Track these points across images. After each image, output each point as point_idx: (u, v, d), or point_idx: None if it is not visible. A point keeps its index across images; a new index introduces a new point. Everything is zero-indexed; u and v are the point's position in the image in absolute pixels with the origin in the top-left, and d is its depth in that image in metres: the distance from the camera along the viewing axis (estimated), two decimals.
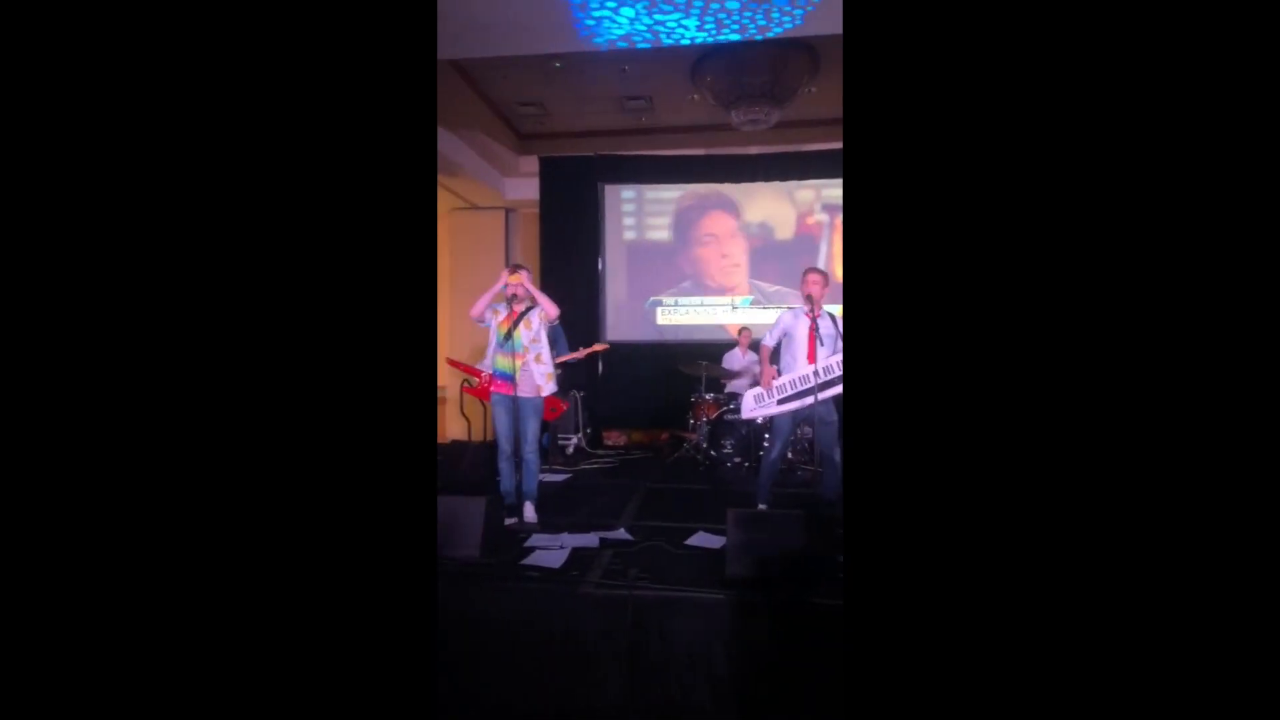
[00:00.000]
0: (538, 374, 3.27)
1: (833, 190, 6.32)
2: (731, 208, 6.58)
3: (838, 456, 3.21)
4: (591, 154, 6.56)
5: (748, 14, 3.84)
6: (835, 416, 3.23)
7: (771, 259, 6.48)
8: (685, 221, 6.64)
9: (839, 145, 5.84)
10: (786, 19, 3.88)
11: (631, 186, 6.70)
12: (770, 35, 4.07)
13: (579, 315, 6.20)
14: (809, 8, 3.74)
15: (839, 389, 3.13)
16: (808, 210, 6.44)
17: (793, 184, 6.39)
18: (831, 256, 6.30)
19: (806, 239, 6.42)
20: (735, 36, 4.10)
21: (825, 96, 5.35)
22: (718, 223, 6.60)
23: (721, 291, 6.57)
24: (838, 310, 3.77)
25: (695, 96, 5.48)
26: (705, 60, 4.92)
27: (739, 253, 6.56)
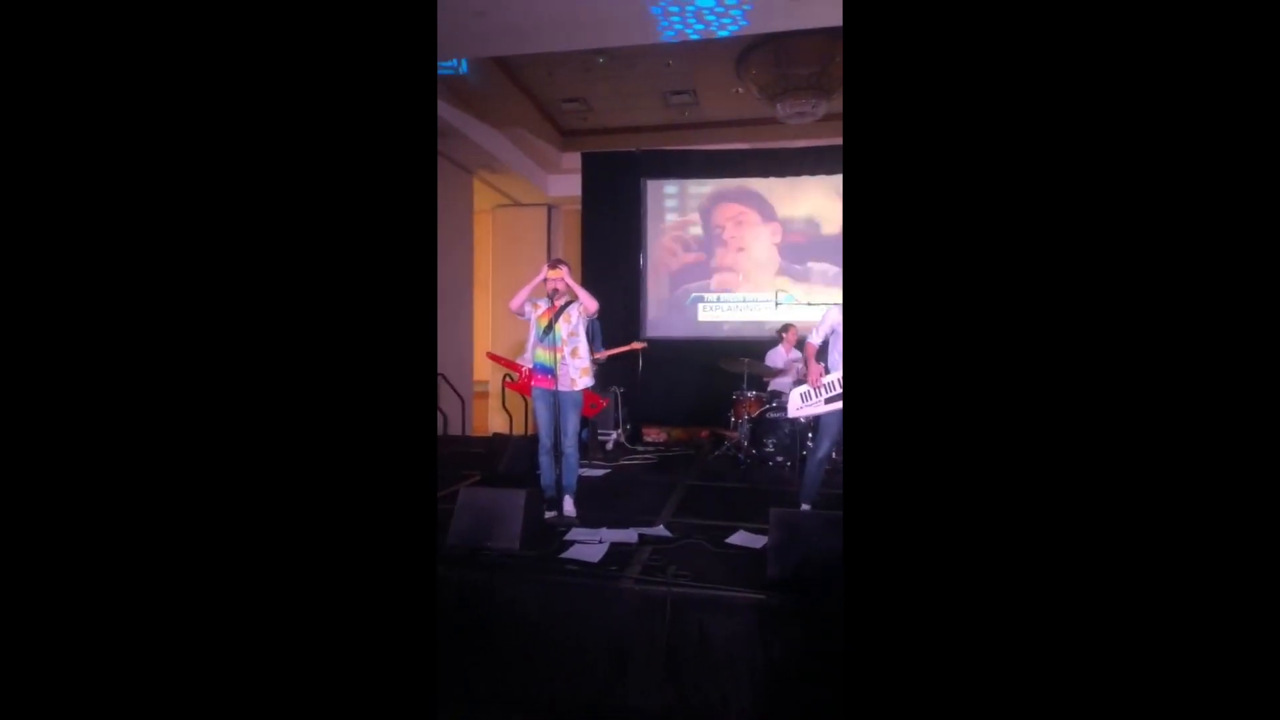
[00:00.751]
0: (573, 368, 3.27)
1: None
2: (756, 200, 6.46)
3: None
4: (634, 149, 6.54)
5: (675, 18, 3.78)
6: None
7: (818, 253, 6.34)
8: (710, 216, 6.58)
9: None
10: (727, 20, 3.79)
11: (674, 181, 6.65)
12: (720, 36, 4.03)
13: (620, 311, 6.19)
14: (747, 6, 3.64)
15: None
16: None
17: (840, 177, 6.24)
18: None
19: None
20: (672, 38, 4.06)
21: None
22: (741, 216, 6.49)
23: (747, 286, 6.48)
24: None
25: (740, 90, 5.40)
26: (750, 53, 4.83)
27: (762, 246, 6.43)
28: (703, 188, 6.61)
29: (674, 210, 6.70)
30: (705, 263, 6.59)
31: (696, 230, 6.65)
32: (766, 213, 6.46)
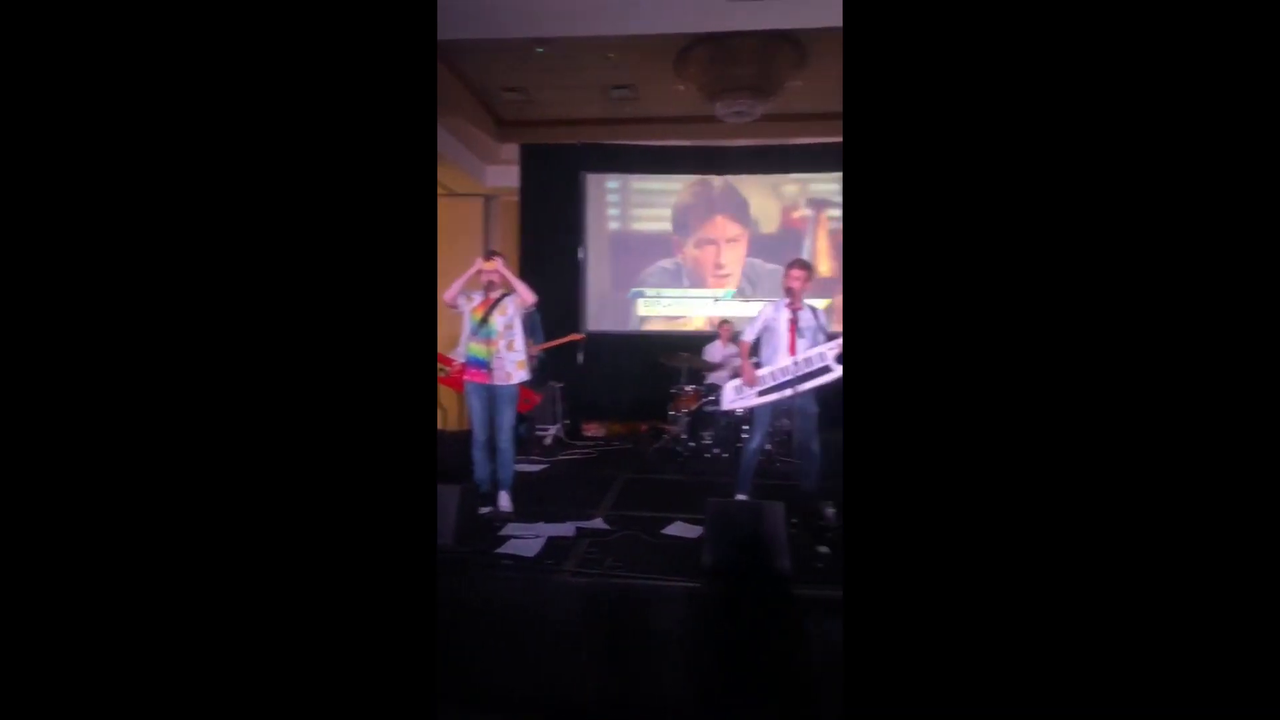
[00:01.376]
0: (509, 361, 3.23)
1: (819, 185, 6.31)
2: (740, 208, 6.46)
3: (816, 447, 3.21)
4: (575, 142, 6.48)
5: None
6: (815, 408, 3.22)
7: (757, 252, 6.47)
8: (691, 224, 6.54)
9: (826, 139, 5.83)
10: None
11: (616, 176, 6.63)
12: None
13: (559, 306, 6.13)
14: None
15: (819, 380, 3.12)
16: (793, 204, 6.43)
17: (777, 177, 6.38)
18: (816, 251, 6.30)
19: (791, 233, 6.41)
20: None
21: (811, 90, 5.33)
22: (720, 228, 6.50)
23: (691, 283, 6.52)
24: (820, 303, 3.74)
25: (681, 87, 5.43)
26: (690, 50, 4.87)
27: (734, 261, 6.47)
28: (649, 183, 6.59)
29: (617, 204, 6.68)
30: (661, 258, 6.57)
31: (644, 226, 6.63)
32: (742, 220, 6.46)
